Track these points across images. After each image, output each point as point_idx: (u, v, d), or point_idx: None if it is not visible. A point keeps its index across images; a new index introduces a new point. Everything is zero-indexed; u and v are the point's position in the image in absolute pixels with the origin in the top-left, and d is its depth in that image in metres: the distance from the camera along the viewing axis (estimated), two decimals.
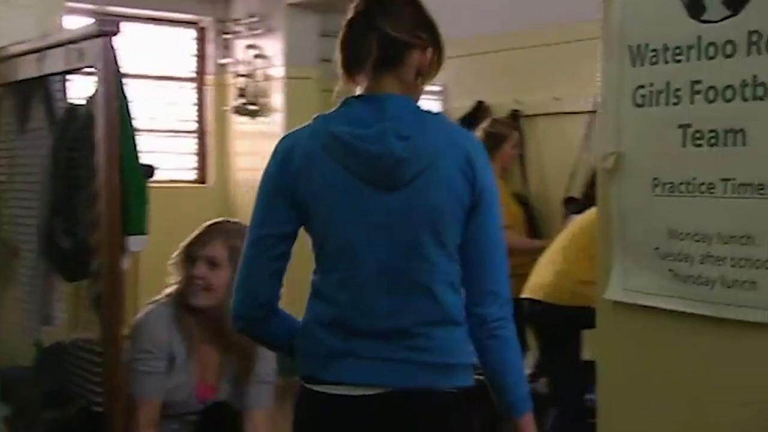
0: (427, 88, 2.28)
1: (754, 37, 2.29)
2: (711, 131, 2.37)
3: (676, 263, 2.45)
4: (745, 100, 2.30)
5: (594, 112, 5.72)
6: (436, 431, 2.19)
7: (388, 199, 2.14)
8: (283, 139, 2.26)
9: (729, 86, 2.34)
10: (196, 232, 3.25)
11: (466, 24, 6.25)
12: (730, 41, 2.34)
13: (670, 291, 2.47)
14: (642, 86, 2.51)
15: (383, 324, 2.16)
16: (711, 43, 2.38)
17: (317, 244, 2.23)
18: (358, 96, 2.19)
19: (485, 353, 2.22)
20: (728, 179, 2.34)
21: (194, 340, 3.19)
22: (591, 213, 5.21)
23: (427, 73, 2.22)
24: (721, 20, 2.36)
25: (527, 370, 4.84)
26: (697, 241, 2.40)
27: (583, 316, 5.01)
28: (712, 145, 2.37)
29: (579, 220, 5.32)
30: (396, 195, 2.13)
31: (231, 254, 3.13)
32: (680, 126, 2.43)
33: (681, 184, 2.44)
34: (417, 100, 2.24)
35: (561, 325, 4.98)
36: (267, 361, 3.24)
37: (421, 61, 2.20)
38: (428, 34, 2.21)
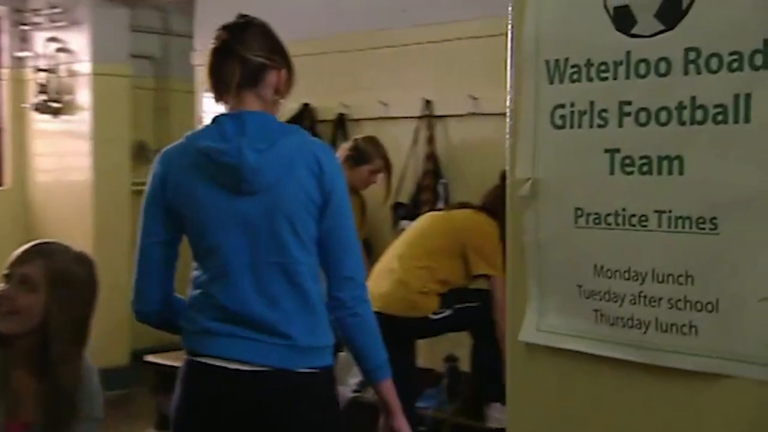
0: None
1: (692, 55, 2.04)
2: (643, 158, 2.11)
3: (603, 303, 2.17)
4: (682, 124, 2.05)
5: (421, 117, 5.53)
6: (301, 406, 2.54)
7: (250, 204, 2.48)
8: (160, 157, 2.61)
9: (664, 108, 2.08)
10: (18, 250, 2.86)
11: (293, 25, 5.95)
12: (664, 59, 2.08)
13: (595, 334, 2.19)
14: (561, 106, 2.22)
15: (254, 312, 2.50)
16: (642, 60, 2.11)
17: (193, 247, 2.61)
18: (225, 114, 2.54)
19: (346, 329, 2.60)
20: (663, 211, 2.09)
21: (5, 373, 2.79)
22: (423, 221, 5.06)
23: (283, 90, 2.59)
24: (654, 35, 2.10)
25: (357, 378, 4.57)
26: (628, 279, 2.13)
27: (419, 327, 4.83)
28: (644, 173, 2.10)
29: (413, 229, 5.14)
30: (257, 199, 2.47)
31: (49, 278, 2.73)
32: (607, 151, 2.16)
33: (608, 215, 2.16)
34: (275, 113, 2.59)
35: (397, 335, 4.74)
36: (93, 396, 2.89)
37: (277, 80, 2.56)
38: (281, 57, 2.59)
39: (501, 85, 5.40)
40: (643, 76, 2.14)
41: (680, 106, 2.08)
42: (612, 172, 2.18)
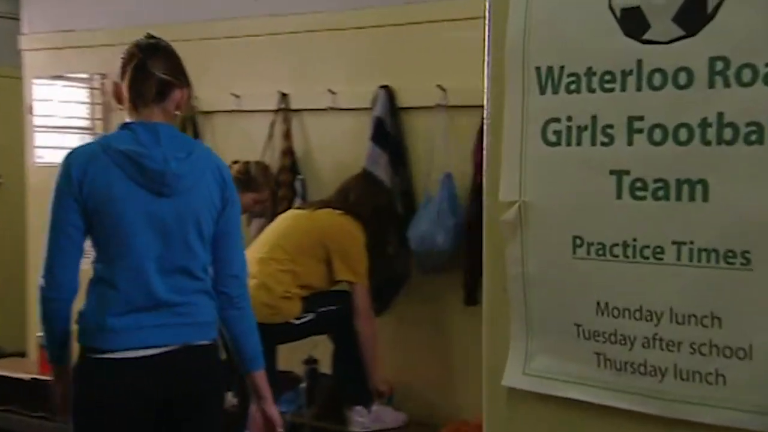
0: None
1: (719, 65, 1.71)
2: (658, 181, 1.77)
3: (608, 346, 1.82)
4: (706, 143, 1.72)
5: (277, 111, 5.13)
6: (201, 375, 2.81)
7: (165, 205, 2.70)
8: (74, 154, 2.72)
9: (684, 125, 1.74)
10: None
11: (137, 12, 5.45)
12: (684, 69, 1.74)
13: (597, 380, 1.85)
14: (556, 120, 1.85)
15: (157, 299, 2.70)
16: (657, 70, 1.77)
17: (103, 239, 2.73)
18: (136, 122, 2.74)
19: (230, 321, 2.90)
20: (683, 243, 1.75)
21: None
22: (284, 220, 4.68)
23: (183, 106, 2.82)
24: (672, 41, 1.76)
25: None
26: (639, 319, 1.78)
27: (282, 332, 4.44)
28: (659, 199, 1.76)
29: (273, 230, 4.72)
30: (172, 201, 2.70)
31: None
32: (613, 172, 1.81)
33: (615, 245, 1.81)
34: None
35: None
36: None
37: (180, 97, 2.79)
38: (183, 76, 2.81)
39: (360, 79, 5.09)
40: (658, 88, 1.79)
41: (704, 123, 1.75)
42: (619, 197, 1.83)
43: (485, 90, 1.97)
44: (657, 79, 1.79)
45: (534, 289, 1.93)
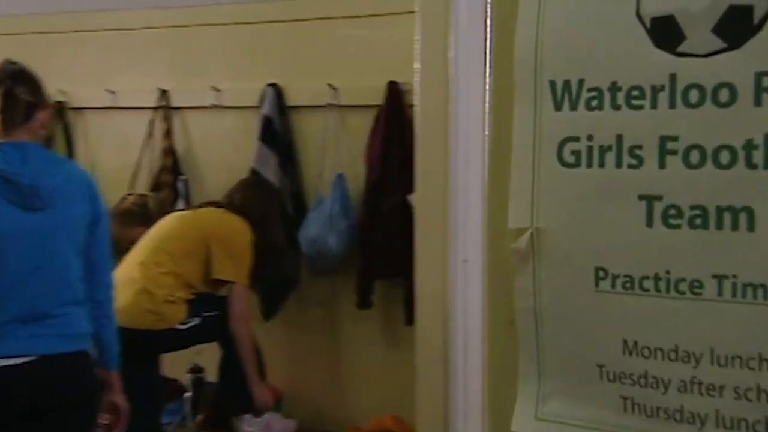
0: None
1: (767, 81, 1.44)
2: (696, 208, 1.53)
3: (637, 389, 1.58)
4: (752, 167, 1.50)
5: (157, 108, 4.72)
6: (74, 384, 2.76)
7: (38, 218, 2.69)
8: None
9: (726, 147, 1.51)
10: None
11: None
12: (725, 84, 1.51)
13: (623, 427, 1.63)
14: (574, 139, 1.59)
15: (34, 311, 2.67)
16: (693, 86, 1.54)
17: None
18: (3, 143, 2.74)
19: (100, 327, 2.89)
20: (725, 276, 1.52)
21: None
22: (166, 222, 4.29)
23: (46, 126, 2.86)
24: (711, 54, 1.50)
25: None
26: (674, 360, 1.55)
27: (167, 339, 4.10)
28: (696, 227, 1.52)
29: (155, 232, 4.30)
30: (46, 215, 2.71)
31: None
32: (643, 197, 1.57)
33: (645, 278, 1.57)
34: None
35: (142, 350, 3.97)
36: None
37: (44, 117, 2.82)
38: (44, 98, 2.82)
39: (246, 77, 4.72)
40: (695, 106, 1.56)
41: (749, 145, 1.52)
42: (650, 225, 1.59)
43: (486, 108, 1.68)
44: (693, 95, 1.56)
45: (548, 325, 1.66)
